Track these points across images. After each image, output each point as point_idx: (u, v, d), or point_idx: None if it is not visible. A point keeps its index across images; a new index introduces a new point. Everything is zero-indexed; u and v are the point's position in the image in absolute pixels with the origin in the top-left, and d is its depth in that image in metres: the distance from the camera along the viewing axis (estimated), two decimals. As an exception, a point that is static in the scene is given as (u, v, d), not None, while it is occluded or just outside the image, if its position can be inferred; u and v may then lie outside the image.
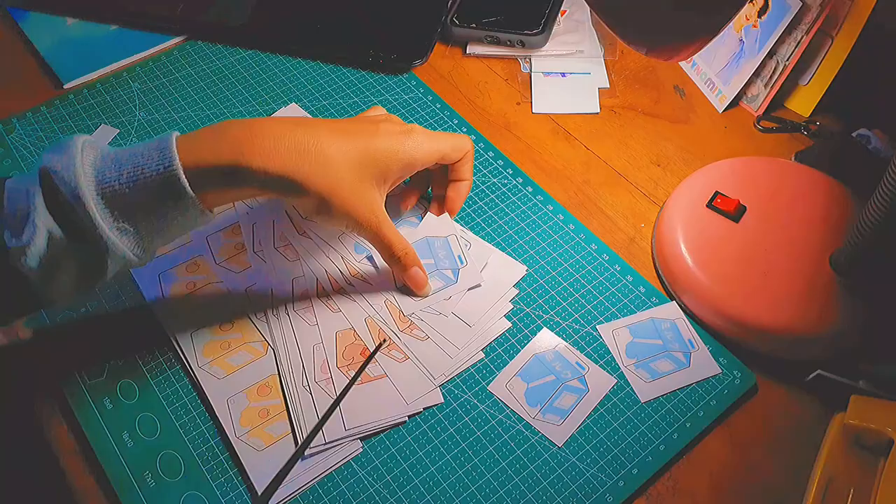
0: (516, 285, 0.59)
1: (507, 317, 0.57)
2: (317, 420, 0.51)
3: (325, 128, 0.51)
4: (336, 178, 0.50)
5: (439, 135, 0.57)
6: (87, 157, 0.46)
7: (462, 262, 0.59)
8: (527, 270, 0.60)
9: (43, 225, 0.44)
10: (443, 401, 0.53)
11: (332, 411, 0.51)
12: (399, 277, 0.57)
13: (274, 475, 0.48)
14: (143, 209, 0.46)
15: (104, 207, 0.45)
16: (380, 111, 0.59)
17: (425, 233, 0.60)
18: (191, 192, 0.46)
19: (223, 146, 0.47)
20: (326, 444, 0.50)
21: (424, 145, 0.55)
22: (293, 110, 0.71)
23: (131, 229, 0.46)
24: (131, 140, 0.69)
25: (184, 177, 0.46)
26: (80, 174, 0.44)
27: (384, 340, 0.55)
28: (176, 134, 0.47)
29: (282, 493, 0.48)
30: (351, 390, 0.52)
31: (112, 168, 0.46)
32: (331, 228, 0.60)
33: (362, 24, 0.78)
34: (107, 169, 0.46)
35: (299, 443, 0.50)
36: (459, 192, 0.60)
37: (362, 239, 0.57)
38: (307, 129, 0.50)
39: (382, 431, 0.52)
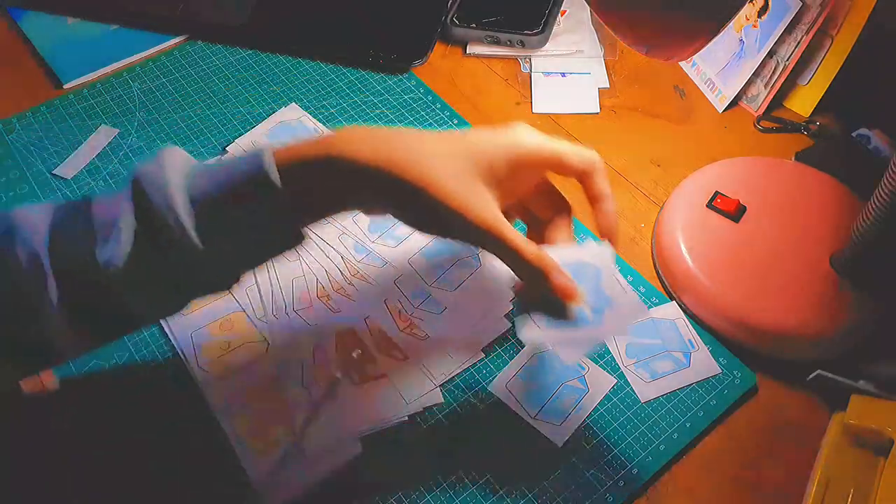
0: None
1: (507, 317, 0.57)
2: (317, 420, 0.51)
3: (414, 131, 0.46)
4: (437, 168, 0.43)
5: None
6: (178, 162, 0.43)
7: (610, 305, 0.46)
8: None
9: (128, 229, 0.41)
10: (443, 401, 0.53)
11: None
12: (539, 288, 0.45)
13: (274, 479, 0.48)
14: (232, 215, 0.42)
15: (194, 215, 0.41)
16: None
17: (579, 256, 0.47)
18: (279, 183, 0.41)
19: (316, 142, 0.44)
20: (327, 444, 0.50)
21: (530, 136, 0.47)
22: (293, 110, 0.71)
23: (219, 240, 0.42)
24: (131, 139, 0.69)
25: (273, 165, 0.42)
26: (171, 178, 0.41)
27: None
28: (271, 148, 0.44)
29: (282, 493, 0.48)
30: (351, 390, 0.52)
31: (204, 174, 0.43)
32: (444, 239, 0.48)
33: (362, 24, 0.78)
34: (199, 175, 0.43)
35: (299, 442, 0.50)
36: (607, 215, 0.49)
37: (482, 250, 0.46)
38: (397, 130, 0.45)
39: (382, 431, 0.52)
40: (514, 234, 0.44)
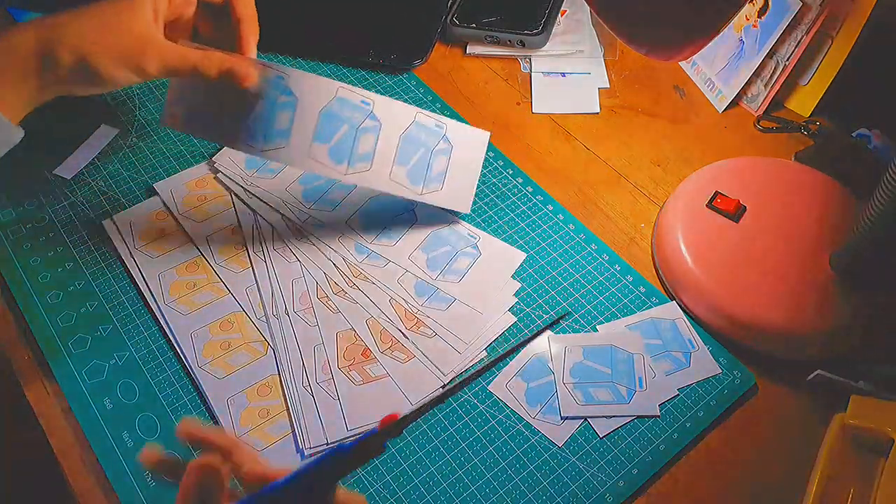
0: (517, 288, 0.59)
1: (512, 311, 0.57)
2: (319, 420, 0.51)
3: (94, 16, 0.53)
4: (88, 29, 0.52)
5: None
6: None
7: (641, 387, 0.53)
8: (525, 255, 0.60)
9: None
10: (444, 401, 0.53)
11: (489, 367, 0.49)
12: (224, 77, 0.54)
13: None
14: None
15: None
16: None
17: (610, 341, 0.55)
18: None
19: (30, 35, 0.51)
20: (327, 444, 0.50)
21: None
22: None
23: None
24: (131, 139, 0.68)
25: None
26: None
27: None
28: None
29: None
30: (353, 391, 0.52)
31: None
32: (128, 81, 0.55)
33: (362, 25, 0.78)
34: None
35: (300, 441, 0.50)
36: (246, 38, 0.57)
37: (161, 73, 0.54)
38: (81, 17, 0.52)
39: (383, 431, 0.52)
40: (176, 52, 0.53)
